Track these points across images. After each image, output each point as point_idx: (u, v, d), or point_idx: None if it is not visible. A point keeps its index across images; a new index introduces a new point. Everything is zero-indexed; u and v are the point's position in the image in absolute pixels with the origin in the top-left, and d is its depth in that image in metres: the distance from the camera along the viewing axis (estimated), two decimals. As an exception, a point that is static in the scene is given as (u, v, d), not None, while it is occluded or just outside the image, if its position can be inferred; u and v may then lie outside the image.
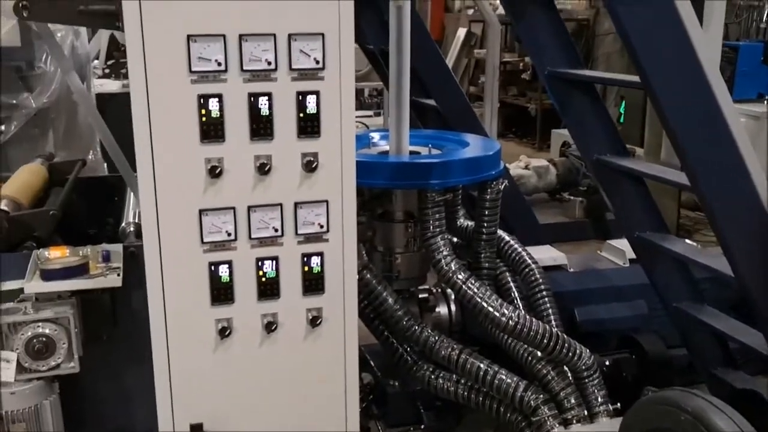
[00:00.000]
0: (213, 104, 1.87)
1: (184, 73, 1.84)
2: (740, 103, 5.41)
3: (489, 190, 2.87)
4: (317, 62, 1.93)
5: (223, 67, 1.86)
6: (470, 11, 12.67)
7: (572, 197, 6.70)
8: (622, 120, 8.54)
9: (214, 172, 1.90)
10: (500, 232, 3.07)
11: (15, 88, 3.80)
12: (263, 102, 1.91)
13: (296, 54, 1.91)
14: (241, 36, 1.86)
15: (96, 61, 6.64)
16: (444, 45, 13.82)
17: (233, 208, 1.94)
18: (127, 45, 1.82)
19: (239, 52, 1.86)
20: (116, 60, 6.97)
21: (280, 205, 1.98)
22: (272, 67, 1.90)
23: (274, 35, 1.88)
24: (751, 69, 5.68)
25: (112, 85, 6.12)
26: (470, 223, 3.08)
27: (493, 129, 4.90)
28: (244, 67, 1.88)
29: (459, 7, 14.57)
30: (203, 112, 1.87)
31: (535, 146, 10.56)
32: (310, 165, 1.96)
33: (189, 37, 1.82)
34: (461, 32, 13.14)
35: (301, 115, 1.94)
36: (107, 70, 7.04)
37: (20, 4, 2.07)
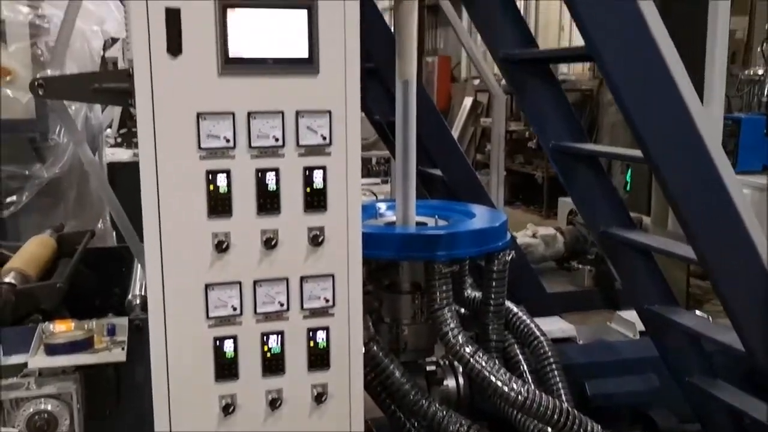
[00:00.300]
0: (221, 180, 1.90)
1: (193, 149, 1.87)
2: (744, 175, 5.43)
3: (496, 262, 2.87)
4: (324, 138, 1.96)
5: (231, 144, 1.89)
6: (476, 81, 12.93)
7: (580, 266, 6.67)
8: (628, 188, 8.56)
9: (221, 246, 1.91)
10: (508, 303, 3.05)
11: (28, 159, 3.87)
12: (270, 177, 1.93)
13: (303, 130, 1.94)
14: (249, 113, 1.90)
15: (108, 130, 6.77)
16: (450, 114, 14.05)
17: (239, 283, 1.94)
18: (138, 122, 1.86)
19: (248, 129, 1.90)
20: (128, 129, 7.10)
21: (286, 279, 1.98)
22: (280, 143, 1.93)
23: (282, 112, 1.92)
24: (755, 141, 5.74)
25: (123, 154, 6.22)
26: (477, 294, 3.06)
27: (500, 198, 4.92)
28: (252, 144, 1.91)
29: (465, 77, 14.90)
30: (211, 187, 1.89)
31: (542, 214, 10.58)
32: (316, 239, 1.98)
33: (199, 114, 1.86)
34: (467, 101, 13.38)
35: (308, 189, 1.97)
36: (119, 139, 7.16)
37: (36, 83, 2.14)
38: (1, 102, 3.56)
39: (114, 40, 4.92)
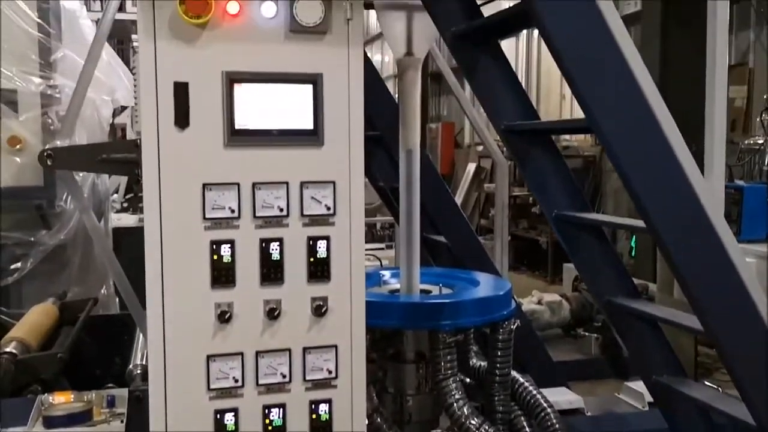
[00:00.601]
0: (225, 250, 1.91)
1: (198, 219, 1.89)
2: (748, 244, 5.41)
3: (501, 331, 2.84)
4: (328, 208, 1.98)
5: (236, 214, 1.91)
6: (479, 147, 13.07)
7: (587, 333, 6.59)
8: (633, 254, 8.53)
9: (224, 317, 1.90)
10: (514, 373, 3.01)
11: (34, 226, 3.89)
12: (274, 247, 1.94)
13: (308, 201, 1.96)
14: (254, 184, 1.92)
15: (115, 195, 6.83)
16: (454, 179, 14.18)
17: (241, 354, 1.93)
18: (144, 192, 1.88)
19: (252, 200, 1.92)
20: (135, 194, 7.16)
21: (289, 350, 1.96)
22: (284, 213, 1.95)
23: (287, 183, 1.94)
24: (758, 210, 5.75)
25: (129, 219, 6.25)
26: (483, 364, 3.02)
27: (504, 264, 4.89)
28: (257, 214, 1.93)
29: (468, 143, 15.08)
30: (215, 257, 1.90)
31: (547, 279, 10.52)
32: (319, 309, 1.97)
33: (205, 185, 1.89)
34: (471, 167, 13.52)
35: (312, 259, 1.97)
36: (125, 204, 7.21)
37: (45, 153, 2.17)
38: (11, 169, 3.61)
39: (123, 108, 5.01)
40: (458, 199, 11.98)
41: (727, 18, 2.29)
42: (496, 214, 5.27)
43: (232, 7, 1.87)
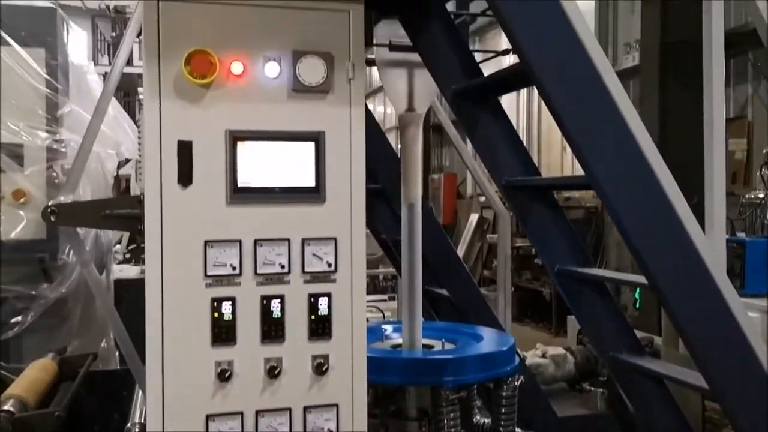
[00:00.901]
0: (226, 307, 1.91)
1: (200, 277, 1.89)
2: (752, 298, 5.37)
3: (505, 387, 2.81)
4: (329, 265, 1.98)
5: (237, 271, 1.91)
6: (482, 198, 13.11)
7: (593, 388, 6.49)
8: (638, 306, 8.46)
9: (224, 375, 1.89)
10: (518, 429, 2.96)
11: (35, 280, 3.89)
12: (275, 304, 1.94)
13: (309, 257, 1.97)
14: (256, 241, 1.93)
15: (117, 246, 6.82)
16: (457, 229, 14.19)
17: (241, 413, 1.91)
18: (146, 249, 1.89)
19: (254, 257, 1.92)
20: (137, 245, 7.16)
21: (289, 409, 1.94)
22: (285, 270, 1.95)
23: (289, 240, 1.95)
24: (760, 264, 5.72)
25: (131, 271, 6.24)
26: (487, 421, 2.98)
27: (507, 317, 4.87)
28: (258, 271, 1.93)
29: (471, 193, 15.14)
30: (216, 315, 1.90)
31: (551, 331, 10.43)
32: (320, 368, 1.95)
33: (206, 243, 1.89)
34: (473, 218, 13.55)
35: (313, 317, 1.97)
36: (128, 255, 7.21)
37: (48, 209, 2.19)
38: (14, 222, 3.63)
39: (127, 160, 5.06)
40: (461, 250, 11.98)
41: (723, 70, 2.32)
42: (499, 265, 5.26)
43: (237, 68, 1.91)
